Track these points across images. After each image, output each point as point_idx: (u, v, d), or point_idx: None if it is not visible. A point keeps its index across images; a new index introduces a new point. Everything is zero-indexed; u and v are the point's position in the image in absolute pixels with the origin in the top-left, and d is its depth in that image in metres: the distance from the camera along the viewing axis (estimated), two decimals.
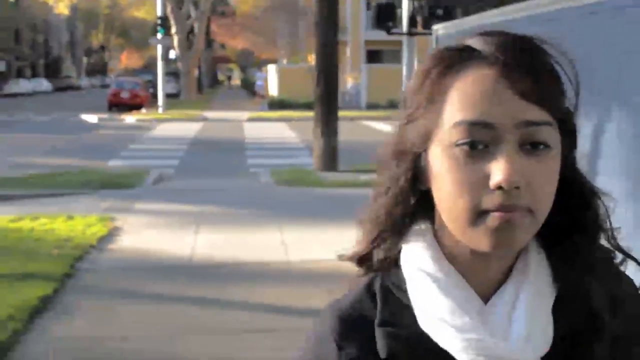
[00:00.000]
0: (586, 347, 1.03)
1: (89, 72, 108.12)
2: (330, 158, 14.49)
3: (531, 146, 0.95)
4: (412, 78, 1.04)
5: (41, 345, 5.27)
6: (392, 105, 33.54)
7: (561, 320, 1.02)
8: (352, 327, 1.03)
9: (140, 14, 68.55)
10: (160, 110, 34.76)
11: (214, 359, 4.98)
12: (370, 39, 41.47)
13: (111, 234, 8.78)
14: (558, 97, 0.98)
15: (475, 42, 0.99)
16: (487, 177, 0.94)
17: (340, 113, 31.17)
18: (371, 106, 36.81)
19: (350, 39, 43.44)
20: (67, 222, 9.32)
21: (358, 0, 41.27)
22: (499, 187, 0.93)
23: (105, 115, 33.31)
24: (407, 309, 1.02)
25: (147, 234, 8.84)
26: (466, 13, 23.86)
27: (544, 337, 0.99)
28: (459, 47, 1.00)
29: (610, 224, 1.07)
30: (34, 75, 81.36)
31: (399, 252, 1.05)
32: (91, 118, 31.82)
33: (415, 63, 13.53)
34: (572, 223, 1.04)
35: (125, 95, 38.80)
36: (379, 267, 1.06)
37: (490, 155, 0.94)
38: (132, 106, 37.36)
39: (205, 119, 31.33)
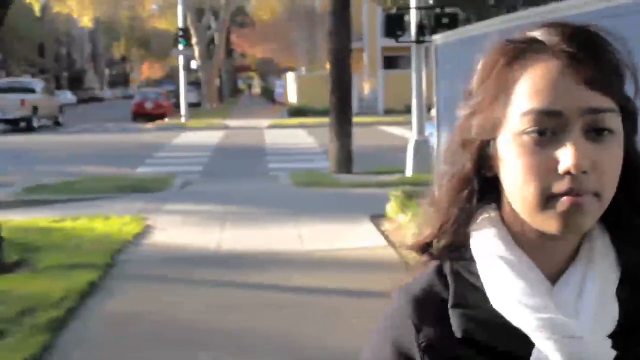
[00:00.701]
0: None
1: (111, 83, 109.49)
2: (346, 161, 15.36)
3: (596, 132, 0.98)
4: (477, 71, 1.07)
5: (92, 321, 6.19)
6: (409, 110, 34.47)
7: (625, 302, 1.03)
8: (428, 309, 1.06)
9: (161, 25, 69.58)
10: (183, 119, 35.79)
11: (242, 329, 5.86)
12: (387, 45, 42.25)
13: (145, 232, 9.72)
14: (620, 84, 1.01)
15: (540, 34, 1.02)
16: (556, 162, 0.97)
17: (358, 119, 32.09)
18: (388, 112, 37.63)
19: (367, 46, 44.33)
20: (105, 222, 10.26)
21: (374, 8, 42.10)
22: (568, 173, 0.96)
23: (130, 126, 34.37)
24: (478, 291, 1.04)
25: (177, 231, 9.77)
26: (468, 22, 24.75)
27: (610, 317, 1.01)
28: (525, 39, 1.03)
29: None
30: (58, 87, 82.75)
31: (466, 237, 1.08)
32: (115, 128, 32.86)
33: (424, 69, 14.38)
34: (634, 206, 1.06)
35: (149, 105, 39.85)
36: (446, 252, 1.09)
37: (558, 142, 0.97)
38: (155, 116, 38.41)
39: (227, 127, 32.30)
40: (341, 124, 15.57)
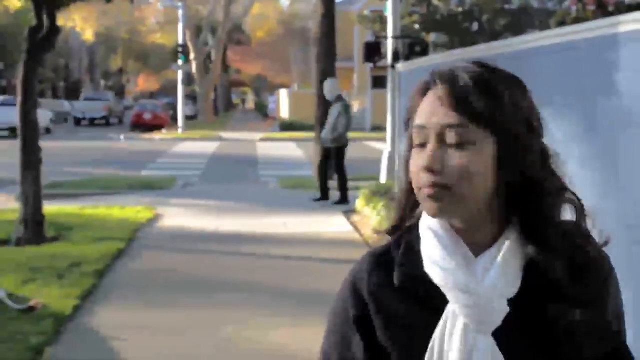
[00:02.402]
0: (542, 304, 1.33)
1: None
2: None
3: (458, 144, 1.30)
4: (409, 96, 1.41)
5: (123, 272, 8.21)
6: None
7: (528, 280, 1.34)
8: (380, 263, 1.44)
9: (158, 39, 71.48)
10: (180, 130, 37.82)
11: (240, 281, 7.88)
12: (379, 65, 44.35)
13: (155, 218, 11.74)
14: (482, 106, 1.30)
15: (435, 75, 1.37)
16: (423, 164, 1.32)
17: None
18: (375, 128, 39.68)
19: (357, 66, 46.47)
20: (121, 210, 12.27)
21: (364, 31, 44.27)
22: (425, 168, 1.31)
23: (130, 135, 36.42)
24: (418, 256, 1.38)
25: (182, 218, 11.79)
26: (452, 46, 27.11)
27: (510, 287, 1.33)
28: (429, 77, 1.38)
29: (579, 205, 1.39)
30: (55, 97, 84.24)
31: (418, 220, 1.43)
32: (117, 137, 34.89)
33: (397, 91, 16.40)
34: (530, 214, 1.35)
35: (147, 116, 41.85)
36: (405, 230, 1.44)
37: (425, 149, 1.33)
38: (153, 127, 40.42)
39: (221, 139, 34.30)
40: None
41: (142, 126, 40.79)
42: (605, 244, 1.42)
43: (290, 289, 7.59)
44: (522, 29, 35.06)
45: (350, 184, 15.84)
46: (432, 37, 39.15)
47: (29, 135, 9.68)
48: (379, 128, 39.32)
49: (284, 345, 5.89)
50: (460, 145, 1.30)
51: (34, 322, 6.21)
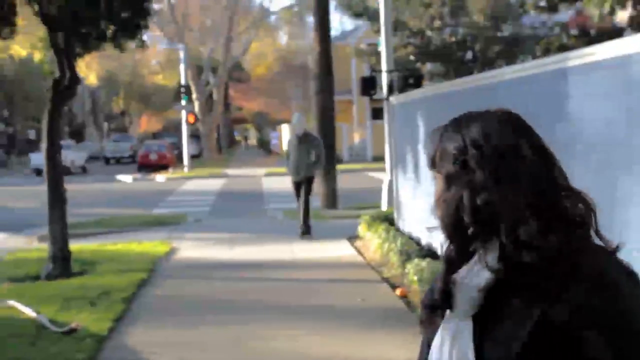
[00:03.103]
0: (512, 296, 1.57)
1: (110, 136, 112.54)
2: (331, 199, 18.29)
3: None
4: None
5: (148, 298, 9.04)
6: None
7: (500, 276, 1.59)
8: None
9: (160, 80, 72.74)
10: (186, 169, 38.76)
11: (254, 301, 8.69)
12: (375, 97, 45.38)
13: (172, 251, 12.58)
14: (434, 153, 1.67)
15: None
16: None
17: (348, 166, 35.19)
18: (376, 158, 40.57)
19: (355, 98, 47.50)
20: (139, 245, 13.12)
21: (362, 65, 45.36)
22: None
23: (138, 175, 37.37)
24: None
25: (196, 250, 12.63)
26: (447, 75, 27.98)
27: (478, 279, 1.60)
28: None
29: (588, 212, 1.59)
30: None
31: None
32: (126, 178, 35.86)
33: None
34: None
35: (153, 157, 42.77)
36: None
37: None
38: (159, 167, 41.36)
39: (227, 176, 35.21)
40: (327, 168, 18.51)
41: (149, 166, 41.68)
42: (615, 250, 1.59)
43: (300, 306, 8.42)
44: (514, 56, 36.11)
45: (353, 212, 16.72)
46: (428, 67, 40.21)
47: (54, 177, 10.56)
48: (381, 158, 40.23)
49: (299, 352, 6.70)
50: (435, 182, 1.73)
51: (75, 343, 7.04)
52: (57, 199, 10.63)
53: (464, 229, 1.60)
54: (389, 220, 12.48)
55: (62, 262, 10.68)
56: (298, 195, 13.41)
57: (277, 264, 10.99)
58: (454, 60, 37.73)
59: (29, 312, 8.11)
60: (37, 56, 27.79)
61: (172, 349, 6.93)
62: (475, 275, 1.61)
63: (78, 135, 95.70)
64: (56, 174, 10.62)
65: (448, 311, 1.66)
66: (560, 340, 1.51)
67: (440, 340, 1.66)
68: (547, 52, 20.71)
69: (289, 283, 9.69)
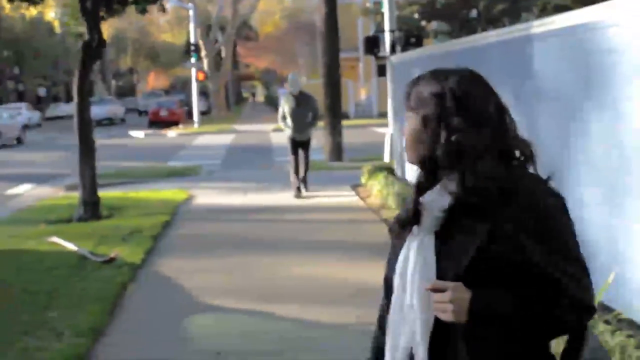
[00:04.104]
0: (469, 217, 1.95)
1: (118, 94, 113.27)
2: (337, 152, 19.37)
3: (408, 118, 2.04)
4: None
5: (171, 237, 10.18)
6: None
7: (455, 199, 1.97)
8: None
9: (168, 38, 73.28)
10: (196, 125, 39.82)
11: (265, 237, 9.81)
12: (381, 54, 46.13)
13: (190, 198, 13.71)
14: (412, 97, 2.03)
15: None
16: None
17: (354, 121, 36.14)
18: (382, 114, 41.47)
19: (362, 55, 48.27)
20: (159, 193, 14.25)
21: (369, 23, 46.09)
22: None
23: (149, 131, 38.46)
24: None
25: (212, 197, 13.76)
26: (451, 34, 28.73)
27: (441, 200, 1.98)
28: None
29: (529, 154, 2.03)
30: (69, 99, 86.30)
31: None
32: (138, 134, 36.95)
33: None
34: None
35: (164, 113, 43.80)
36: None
37: None
38: (170, 123, 42.39)
39: (236, 131, 36.26)
40: (333, 123, 19.57)
41: (159, 123, 42.66)
42: (548, 179, 2.02)
43: (306, 241, 9.56)
44: (518, 14, 36.81)
45: (357, 164, 17.77)
46: (433, 26, 40.90)
47: (85, 130, 11.65)
48: (385, 114, 41.10)
49: (306, 277, 7.83)
50: (408, 121, 2.10)
51: (114, 270, 8.18)
52: (87, 150, 11.72)
53: (434, 160, 1.99)
54: (389, 170, 13.56)
55: (92, 207, 11.81)
56: (295, 153, 13.20)
57: (286, 208, 12.11)
58: (459, 18, 38.43)
59: (70, 246, 9.26)
60: (32, 11, 28.60)
61: (196, 274, 8.06)
62: (440, 199, 2.00)
63: (87, 92, 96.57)
64: (85, 126, 11.70)
65: (415, 227, 2.04)
66: (504, 249, 1.90)
67: (406, 252, 2.04)
68: (543, 11, 21.55)
69: (296, 223, 10.83)
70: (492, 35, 8.27)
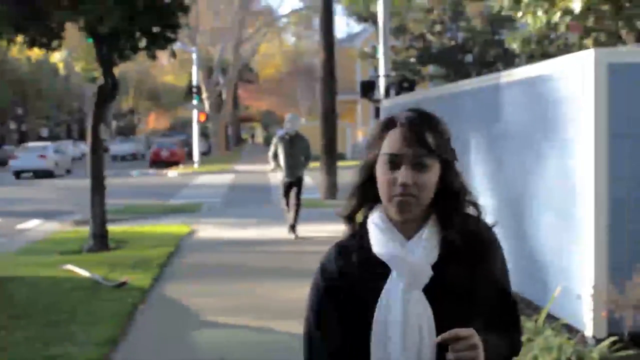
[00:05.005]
0: (452, 267, 1.97)
1: (118, 134, 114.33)
2: (332, 190, 20.25)
3: (419, 165, 1.93)
4: (371, 130, 2.04)
5: (176, 265, 11.00)
6: None
7: (444, 250, 1.98)
8: (342, 250, 2.09)
9: (169, 79, 74.45)
10: (196, 165, 40.76)
11: (264, 266, 10.63)
12: (376, 98, 47.21)
13: (192, 232, 14.55)
14: (433, 142, 1.94)
15: (396, 116, 2.01)
16: (396, 179, 1.93)
17: (350, 162, 36.96)
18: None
19: (360, 98, 49.43)
20: (163, 227, 15.09)
21: (367, 67, 47.25)
22: (400, 184, 1.92)
23: (150, 171, 39.39)
24: (369, 244, 2.01)
25: (213, 231, 14.59)
26: (447, 77, 29.65)
27: (431, 255, 1.97)
28: (390, 118, 2.01)
29: (476, 204, 2.05)
30: (69, 138, 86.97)
31: (367, 217, 2.06)
32: (141, 173, 37.87)
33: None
34: (444, 206, 2.00)
35: (165, 153, 44.71)
36: (358, 227, 2.08)
37: (398, 169, 1.93)
38: (170, 163, 43.32)
39: (236, 171, 37.16)
40: (328, 163, 20.49)
41: (160, 163, 43.57)
42: (494, 225, 2.12)
43: (300, 269, 10.35)
44: (512, 59, 37.86)
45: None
46: (429, 70, 41.99)
47: (97, 166, 12.52)
48: None
49: (299, 299, 8.63)
50: (422, 168, 1.94)
51: (126, 292, 9.00)
52: (99, 185, 12.60)
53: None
54: None
55: (101, 239, 12.64)
56: (286, 195, 13.28)
57: (281, 240, 12.95)
58: (454, 62, 39.48)
59: (84, 273, 10.08)
60: (39, 53, 29.83)
61: (200, 297, 8.87)
62: (431, 255, 2.00)
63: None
64: (98, 164, 12.57)
65: (399, 282, 1.98)
66: (487, 288, 2.03)
67: (405, 306, 1.97)
68: (531, 58, 22.54)
69: (290, 254, 11.67)
70: (467, 84, 9.20)
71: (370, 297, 1.99)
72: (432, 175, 1.96)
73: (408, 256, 1.96)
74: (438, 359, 1.91)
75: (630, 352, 5.49)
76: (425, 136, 1.95)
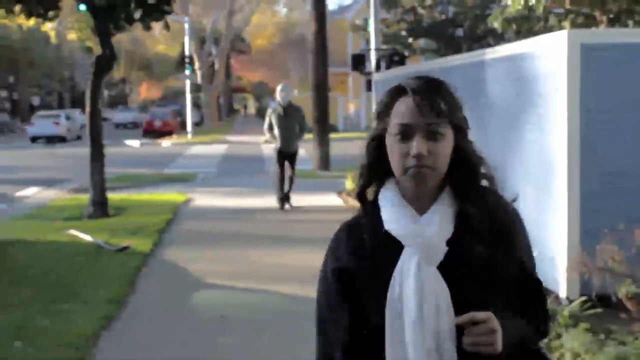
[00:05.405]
0: (469, 243, 1.88)
1: (110, 104, 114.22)
2: (324, 161, 20.69)
3: (432, 134, 1.85)
4: (379, 99, 1.94)
5: (175, 232, 11.46)
6: None
7: (460, 225, 1.89)
8: (354, 229, 2.01)
9: (161, 49, 74.37)
10: (189, 135, 41.10)
11: (253, 233, 11.10)
12: (367, 71, 47.50)
13: (188, 200, 14.99)
14: (446, 109, 1.85)
15: (403, 83, 1.90)
16: (410, 150, 1.85)
17: (342, 134, 37.43)
18: (369, 128, 42.86)
19: (351, 71, 49.72)
20: (160, 196, 15.53)
21: (358, 40, 47.50)
22: (415, 155, 1.83)
23: (145, 141, 39.73)
24: (380, 221, 1.93)
25: (208, 199, 15.05)
26: (439, 51, 29.99)
27: (445, 232, 1.89)
28: (399, 85, 1.91)
29: (492, 176, 1.95)
30: (60, 107, 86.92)
31: (378, 193, 1.98)
32: (134, 143, 38.19)
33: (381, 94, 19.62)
34: (460, 176, 1.91)
35: (158, 123, 45.01)
36: (368, 204, 1.99)
37: (411, 140, 1.85)
38: (163, 133, 43.62)
39: (229, 142, 37.52)
40: (321, 135, 20.91)
41: (153, 133, 43.87)
42: (514, 200, 2.06)
43: (292, 236, 10.87)
44: (501, 34, 38.18)
45: (343, 173, 19.08)
46: (420, 43, 42.26)
47: (95, 135, 12.92)
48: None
49: (290, 264, 9.13)
50: (436, 137, 1.87)
51: (128, 256, 9.47)
52: (98, 153, 13.00)
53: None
54: None
55: (101, 206, 13.07)
56: (281, 164, 13.25)
57: (274, 209, 13.39)
58: (445, 36, 39.77)
59: (87, 238, 10.54)
60: (30, 22, 30.26)
61: (198, 261, 9.34)
62: (446, 230, 1.93)
63: (79, 102, 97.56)
64: (96, 132, 12.97)
65: (414, 257, 1.92)
66: (506, 265, 1.93)
67: (419, 283, 1.90)
68: (518, 34, 22.91)
69: (283, 222, 12.15)
70: (457, 59, 9.64)
71: (383, 276, 1.91)
72: (447, 144, 1.89)
73: (421, 231, 1.89)
74: (458, 339, 1.84)
75: (598, 310, 6.01)
76: (438, 103, 1.87)
